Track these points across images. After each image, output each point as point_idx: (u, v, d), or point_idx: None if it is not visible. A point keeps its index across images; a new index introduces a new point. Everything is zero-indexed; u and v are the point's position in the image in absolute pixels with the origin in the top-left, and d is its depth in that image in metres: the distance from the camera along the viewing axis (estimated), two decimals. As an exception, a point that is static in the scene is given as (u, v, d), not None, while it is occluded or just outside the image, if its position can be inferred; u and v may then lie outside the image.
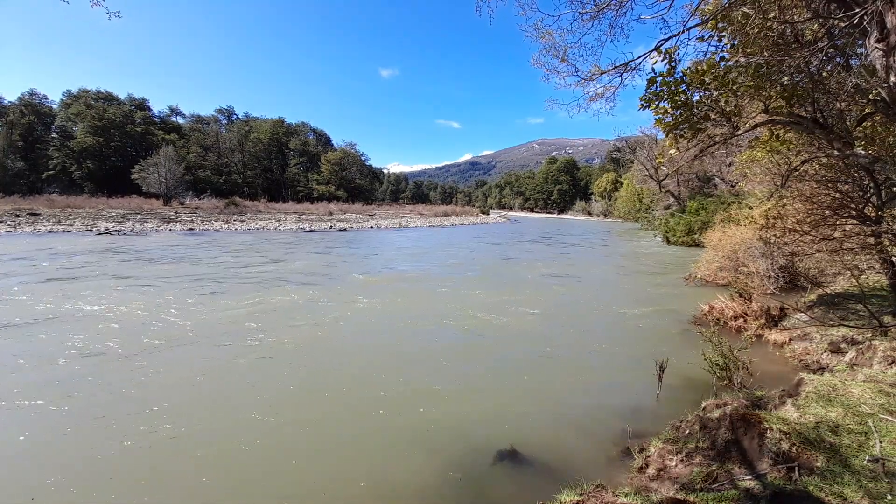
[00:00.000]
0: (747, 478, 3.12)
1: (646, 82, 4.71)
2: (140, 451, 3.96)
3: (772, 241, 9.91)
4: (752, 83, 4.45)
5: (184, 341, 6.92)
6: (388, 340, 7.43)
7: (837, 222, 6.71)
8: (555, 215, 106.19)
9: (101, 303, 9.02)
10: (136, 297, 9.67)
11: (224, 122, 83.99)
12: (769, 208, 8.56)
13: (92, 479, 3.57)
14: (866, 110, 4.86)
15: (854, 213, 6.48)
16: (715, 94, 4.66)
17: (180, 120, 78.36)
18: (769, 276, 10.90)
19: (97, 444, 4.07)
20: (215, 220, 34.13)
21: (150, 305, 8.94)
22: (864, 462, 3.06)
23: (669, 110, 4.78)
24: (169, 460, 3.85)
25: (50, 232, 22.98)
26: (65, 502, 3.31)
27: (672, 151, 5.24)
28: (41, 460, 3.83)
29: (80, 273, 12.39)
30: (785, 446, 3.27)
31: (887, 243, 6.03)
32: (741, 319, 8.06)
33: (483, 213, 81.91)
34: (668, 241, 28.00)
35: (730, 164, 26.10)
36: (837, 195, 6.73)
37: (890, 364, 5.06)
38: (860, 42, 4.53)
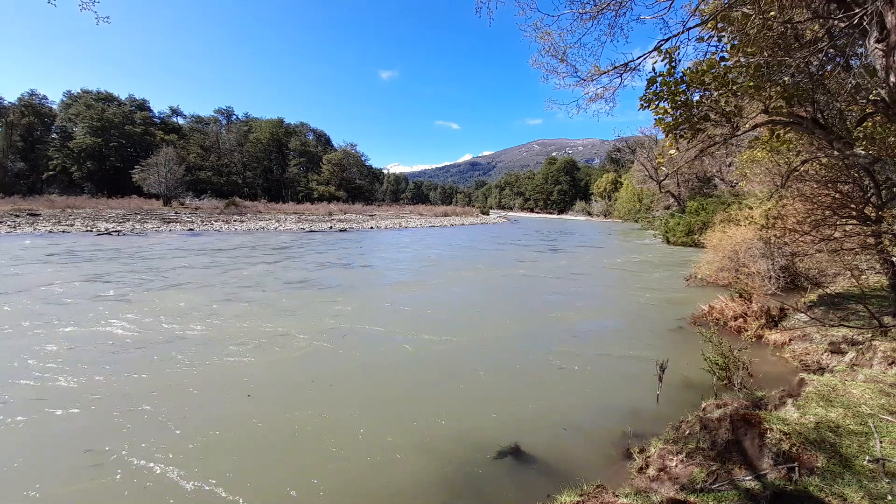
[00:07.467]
0: (748, 478, 3.12)
1: (646, 83, 4.71)
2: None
3: (772, 241, 9.91)
4: (752, 83, 4.44)
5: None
6: (389, 344, 7.42)
7: (837, 222, 6.71)
8: (554, 215, 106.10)
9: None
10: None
11: (224, 122, 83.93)
12: (769, 208, 8.57)
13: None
14: (866, 110, 4.86)
15: (854, 213, 6.48)
16: (715, 94, 4.65)
17: (180, 120, 78.35)
18: (770, 277, 10.89)
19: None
20: (215, 221, 34.11)
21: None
22: (865, 462, 3.05)
23: (669, 110, 4.77)
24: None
25: (50, 232, 22.94)
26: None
27: (672, 151, 5.23)
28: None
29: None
30: (785, 447, 3.26)
31: (887, 243, 6.03)
32: (741, 320, 8.05)
33: (483, 214, 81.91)
34: (668, 242, 28.01)
35: (730, 164, 26.10)
36: (837, 195, 6.73)
37: (890, 364, 5.06)
38: (860, 42, 4.54)
